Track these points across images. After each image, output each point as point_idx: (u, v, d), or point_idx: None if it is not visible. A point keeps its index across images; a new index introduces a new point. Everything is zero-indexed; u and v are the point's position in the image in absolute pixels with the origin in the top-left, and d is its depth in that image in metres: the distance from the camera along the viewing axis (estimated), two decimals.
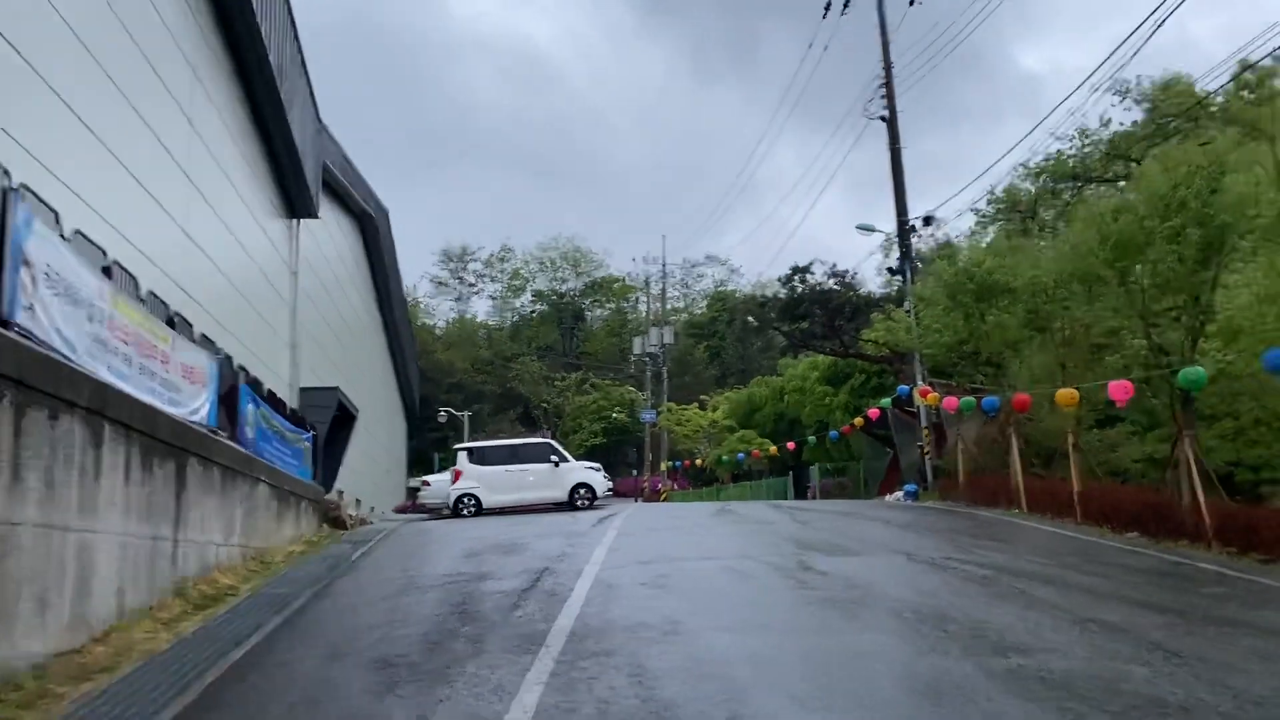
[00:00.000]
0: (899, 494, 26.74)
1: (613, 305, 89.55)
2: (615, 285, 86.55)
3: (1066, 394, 15.79)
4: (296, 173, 26.60)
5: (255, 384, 15.62)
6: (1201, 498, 12.65)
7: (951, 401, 22.25)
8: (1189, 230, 11.68)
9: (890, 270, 28.59)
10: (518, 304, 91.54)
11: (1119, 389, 14.00)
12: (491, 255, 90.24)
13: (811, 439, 38.54)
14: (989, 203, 26.78)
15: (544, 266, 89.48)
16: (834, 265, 34.61)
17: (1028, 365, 22.34)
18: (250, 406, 15.34)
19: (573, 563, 11.85)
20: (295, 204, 27.82)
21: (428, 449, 59.89)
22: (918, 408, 26.45)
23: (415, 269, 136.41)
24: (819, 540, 13.54)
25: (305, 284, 29.91)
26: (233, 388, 14.52)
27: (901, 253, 26.39)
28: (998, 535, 14.46)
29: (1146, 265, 12.44)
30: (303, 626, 9.43)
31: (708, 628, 7.82)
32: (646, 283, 68.55)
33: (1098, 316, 15.06)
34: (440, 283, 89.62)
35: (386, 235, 46.03)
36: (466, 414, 55.18)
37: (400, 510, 36.87)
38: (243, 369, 15.15)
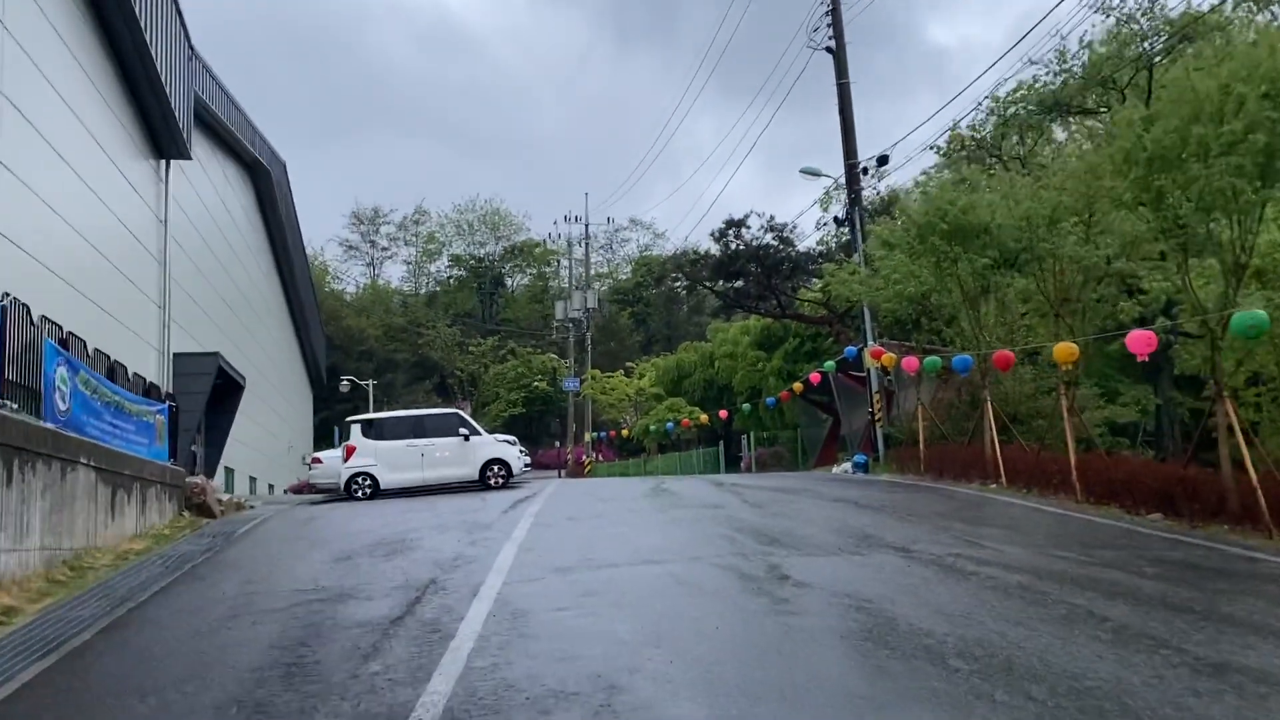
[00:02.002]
0: (846, 465, 24.36)
1: (534, 271, 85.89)
2: (536, 250, 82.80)
3: (1065, 348, 13.35)
4: (162, 106, 22.91)
5: (68, 341, 12.31)
6: (1253, 473, 10.27)
7: (911, 362, 19.80)
8: (1252, 136, 9.21)
9: (836, 220, 26.08)
10: (433, 269, 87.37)
11: (1140, 340, 11.55)
12: (405, 218, 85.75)
13: (746, 407, 36.07)
14: (949, 141, 24.38)
15: (461, 230, 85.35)
16: (771, 218, 31.89)
17: (999, 318, 19.96)
18: (63, 370, 12.01)
19: (470, 572, 8.94)
20: (162, 143, 24.13)
21: (336, 421, 55.98)
22: (867, 370, 24.05)
23: (324, 232, 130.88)
24: (783, 530, 10.84)
25: (181, 237, 26.25)
26: (30, 345, 11.22)
27: (850, 198, 23.82)
28: (995, 519, 11.95)
29: (1194, 183, 9.91)
30: (59, 686, 6.37)
31: (663, 696, 5.01)
32: (569, 245, 65.24)
33: (1103, 255, 12.60)
34: (350, 246, 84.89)
35: (284, 189, 42.06)
36: (371, 382, 51.30)
37: (296, 490, 33.38)
38: (49, 321, 11.82)
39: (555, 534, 11.31)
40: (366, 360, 65.50)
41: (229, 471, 32.33)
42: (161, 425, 16.80)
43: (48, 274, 16.96)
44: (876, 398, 23.77)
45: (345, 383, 49.97)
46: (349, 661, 6.06)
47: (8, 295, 10.85)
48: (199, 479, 18.64)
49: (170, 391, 18.21)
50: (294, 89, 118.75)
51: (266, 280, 41.25)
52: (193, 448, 26.74)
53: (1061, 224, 13.47)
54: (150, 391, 16.29)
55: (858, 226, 23.46)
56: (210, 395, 27.20)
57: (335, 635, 6.82)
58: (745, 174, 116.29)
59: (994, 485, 16.21)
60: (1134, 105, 12.81)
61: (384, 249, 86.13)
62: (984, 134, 23.17)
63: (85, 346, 13.14)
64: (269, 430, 40.29)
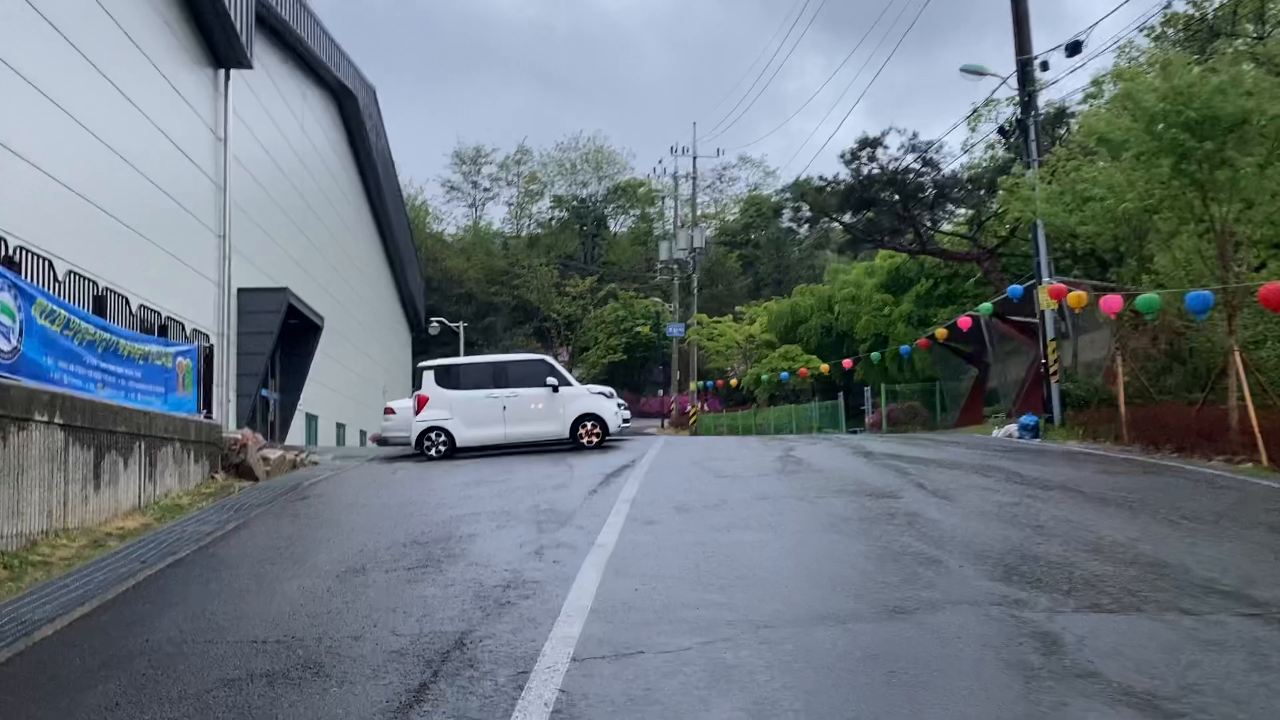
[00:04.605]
0: (1011, 427, 20.22)
1: (637, 212, 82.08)
2: (640, 189, 78.89)
3: None
4: (215, 5, 19.91)
5: (17, 259, 9.31)
6: None
7: (1112, 302, 15.53)
8: None
9: (1002, 131, 21.57)
10: (535, 210, 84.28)
11: None
12: (507, 158, 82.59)
13: (875, 355, 31.90)
14: (1165, 21, 19.43)
15: (563, 169, 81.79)
16: (914, 135, 27.33)
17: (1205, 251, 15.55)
18: (4, 297, 8.98)
19: (522, 621, 5.46)
20: (219, 48, 21.18)
21: None
22: (1040, 313, 19.77)
23: (424, 174, 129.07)
24: (1011, 549, 7.08)
25: (247, 160, 23.40)
26: None
27: (1023, 101, 19.32)
28: None
29: None
30: None
31: None
32: (674, 181, 61.13)
33: None
34: (452, 187, 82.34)
35: (374, 117, 39.03)
36: (462, 325, 48.51)
37: (379, 440, 30.79)
38: None
39: (659, 541, 7.75)
40: (466, 303, 63.10)
41: (310, 419, 29.87)
42: (186, 370, 13.85)
43: (73, 197, 14.16)
44: (1052, 346, 19.47)
45: (434, 325, 47.25)
46: None
47: None
48: (240, 434, 15.77)
49: (198, 329, 15.22)
50: (397, 31, 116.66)
51: (356, 215, 38.52)
52: (264, 392, 24.27)
53: None
54: (166, 329, 13.33)
55: (1032, 136, 19.02)
56: (287, 336, 24.65)
57: None
58: (856, 120, 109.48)
59: (1248, 464, 12.06)
60: None
61: (485, 190, 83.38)
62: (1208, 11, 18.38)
63: (51, 267, 10.11)
64: (360, 374, 37.79)
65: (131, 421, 11.43)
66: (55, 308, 9.91)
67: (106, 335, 11.17)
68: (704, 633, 5.04)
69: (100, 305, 11.22)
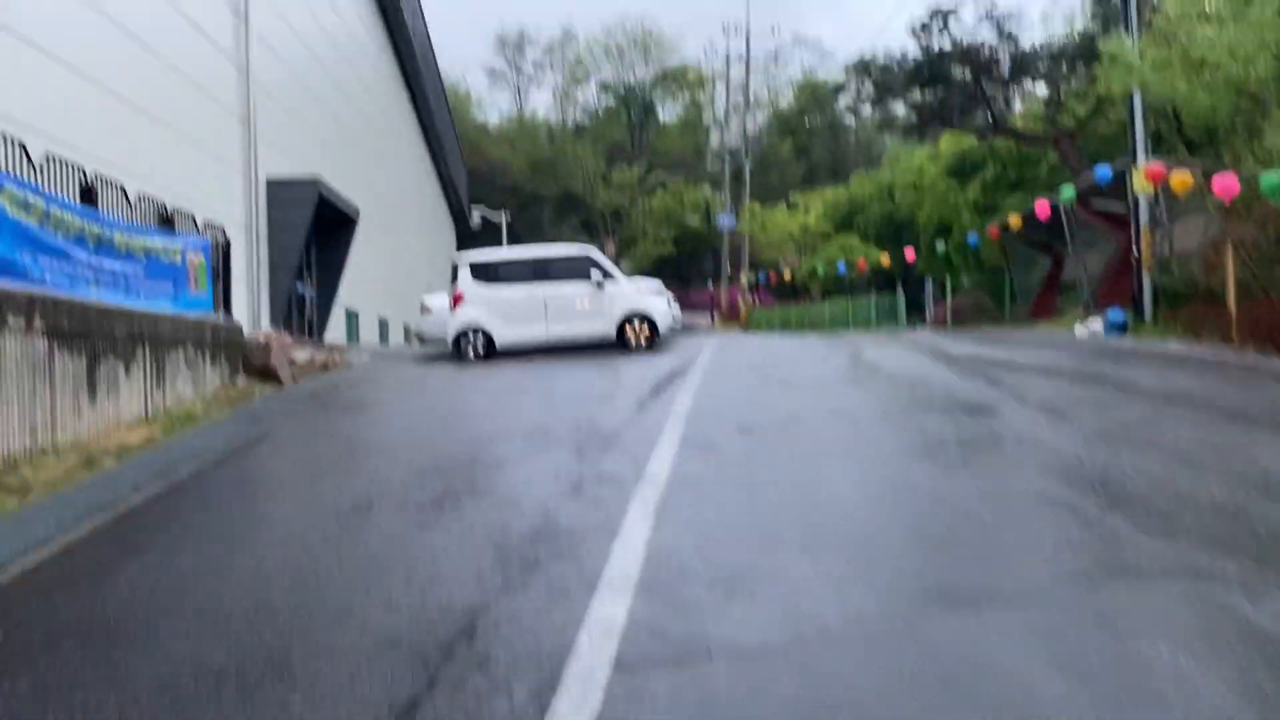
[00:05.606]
0: (1095, 324, 18.56)
1: (687, 96, 79.07)
2: (689, 75, 75.89)
3: None
4: None
5: None
6: None
7: (1228, 183, 13.69)
8: None
9: None
10: (581, 98, 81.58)
11: None
12: (551, 41, 79.77)
13: (940, 245, 29.95)
14: None
15: (610, 54, 78.79)
16: (992, 4, 24.87)
17: None
18: None
19: (552, 595, 4.22)
20: None
21: None
22: (1133, 198, 17.87)
23: (466, 57, 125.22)
24: (1147, 482, 5.68)
25: (274, 42, 21.85)
26: None
27: None
28: None
29: None
30: None
31: None
32: (726, 62, 58.23)
33: None
34: (495, 72, 79.93)
35: None
36: (504, 213, 46.87)
37: (420, 338, 29.78)
38: None
39: (720, 475, 6.47)
40: (510, 195, 61.43)
41: (351, 315, 28.91)
42: (198, 266, 12.71)
43: (66, 72, 12.90)
44: (1146, 235, 17.61)
45: (476, 217, 45.65)
46: None
47: None
48: (263, 334, 14.73)
49: (210, 221, 14.01)
50: None
51: (393, 101, 36.78)
52: (299, 289, 23.32)
53: None
54: (171, 221, 12.11)
55: None
56: (321, 229, 23.48)
57: None
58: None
59: None
60: None
61: (530, 76, 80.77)
62: None
63: (14, 143, 8.79)
64: (402, 267, 36.63)
65: (131, 323, 10.35)
66: (26, 195, 8.69)
67: (96, 228, 9.97)
68: (791, 623, 3.78)
69: (89, 194, 9.99)
